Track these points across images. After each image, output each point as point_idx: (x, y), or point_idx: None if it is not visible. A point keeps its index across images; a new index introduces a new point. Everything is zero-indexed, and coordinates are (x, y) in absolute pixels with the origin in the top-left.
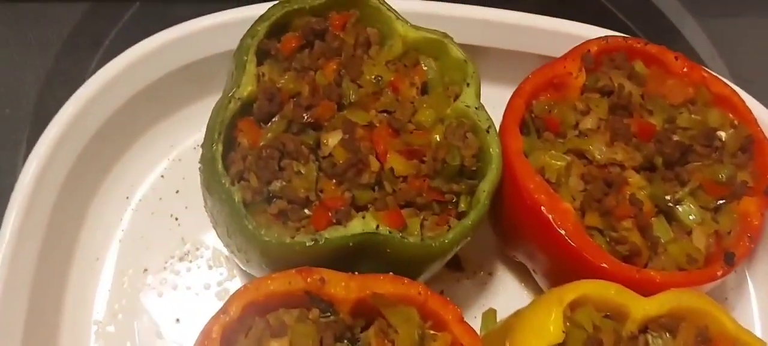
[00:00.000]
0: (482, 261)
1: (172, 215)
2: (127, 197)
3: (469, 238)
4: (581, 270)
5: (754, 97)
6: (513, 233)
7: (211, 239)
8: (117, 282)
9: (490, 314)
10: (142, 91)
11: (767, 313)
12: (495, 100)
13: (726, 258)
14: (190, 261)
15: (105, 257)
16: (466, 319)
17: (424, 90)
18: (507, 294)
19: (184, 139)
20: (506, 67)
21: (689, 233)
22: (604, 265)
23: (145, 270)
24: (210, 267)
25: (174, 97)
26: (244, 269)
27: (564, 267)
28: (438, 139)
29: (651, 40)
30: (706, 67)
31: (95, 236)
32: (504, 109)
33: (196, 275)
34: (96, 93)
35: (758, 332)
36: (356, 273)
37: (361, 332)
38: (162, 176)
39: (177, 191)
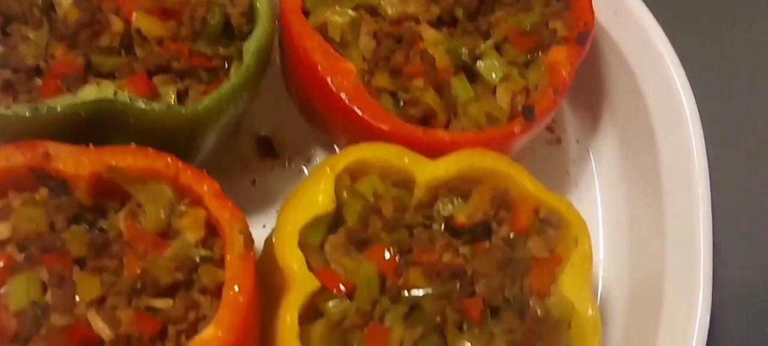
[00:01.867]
0: (300, 145)
1: None
2: None
3: (239, 106)
4: (368, 137)
5: None
6: (305, 103)
7: None
8: None
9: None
10: None
11: (608, 187)
12: None
13: (524, 112)
14: None
15: None
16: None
17: None
18: None
19: None
20: None
21: (494, 91)
22: (384, 126)
23: None
24: None
25: None
26: None
27: (354, 137)
28: None
29: None
30: None
31: None
32: None
33: None
34: None
35: (599, 206)
36: (91, 146)
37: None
38: None
39: None
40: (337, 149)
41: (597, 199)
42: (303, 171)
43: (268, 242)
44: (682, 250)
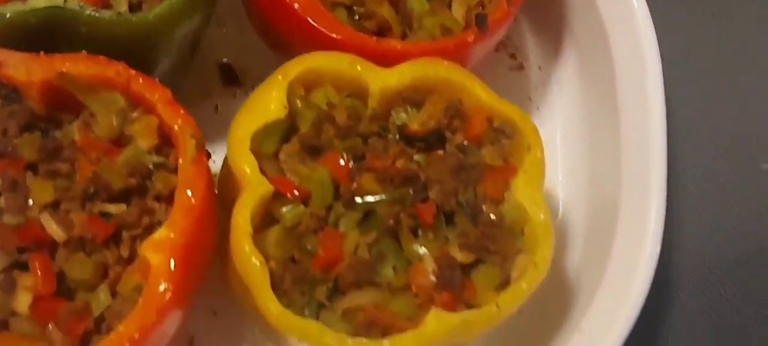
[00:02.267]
0: (262, 73)
1: None
2: None
3: (195, 18)
4: (323, 49)
5: None
6: (260, 21)
7: None
8: None
9: None
10: None
11: (567, 112)
12: None
13: (477, 20)
14: None
15: None
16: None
17: None
18: None
19: None
20: None
21: (449, 4)
22: (338, 36)
23: None
24: None
25: None
26: None
27: (309, 50)
28: None
29: None
30: None
31: None
32: None
33: None
34: None
35: (559, 131)
36: (42, 53)
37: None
38: None
39: None
40: None
41: (557, 124)
42: None
43: (225, 161)
44: (637, 172)
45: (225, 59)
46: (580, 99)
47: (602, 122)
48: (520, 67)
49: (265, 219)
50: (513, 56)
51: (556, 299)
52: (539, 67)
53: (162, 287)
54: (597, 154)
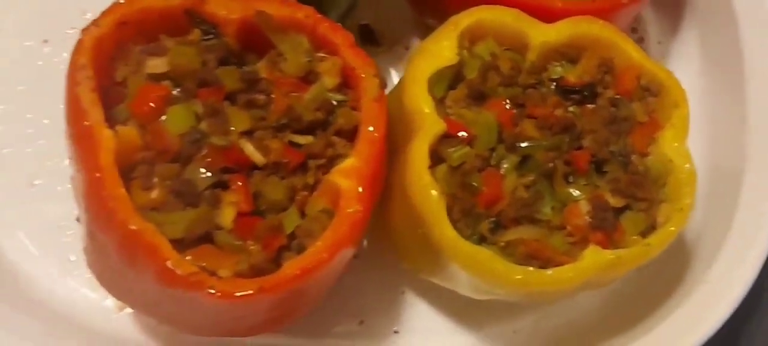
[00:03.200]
0: (399, 34)
1: None
2: None
3: None
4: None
5: None
6: None
7: None
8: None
9: None
10: None
11: (686, 85)
12: None
13: None
14: None
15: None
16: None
17: None
18: None
19: None
20: None
21: None
22: None
23: (45, 41)
24: None
25: None
26: None
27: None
28: None
29: None
30: None
31: None
32: None
33: None
34: None
35: None
36: None
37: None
38: None
39: None
40: None
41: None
42: (403, 56)
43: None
44: (762, 140)
45: (364, 21)
46: (700, 73)
47: (723, 95)
48: (641, 40)
49: (432, 157)
50: (634, 30)
51: (679, 256)
52: (659, 42)
53: (352, 209)
54: (719, 127)
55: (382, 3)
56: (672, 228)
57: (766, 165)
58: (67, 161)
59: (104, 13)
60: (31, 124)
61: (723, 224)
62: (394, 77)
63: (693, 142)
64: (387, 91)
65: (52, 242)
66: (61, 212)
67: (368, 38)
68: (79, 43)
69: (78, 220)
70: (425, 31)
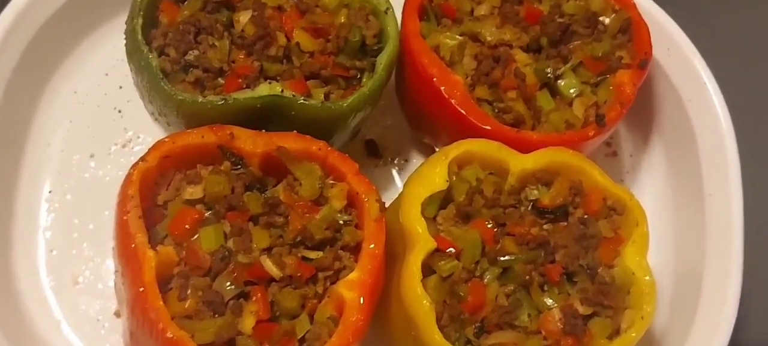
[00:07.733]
0: (399, 148)
1: (115, 108)
2: (75, 92)
3: (369, 108)
4: (472, 136)
5: None
6: (415, 110)
7: (150, 128)
8: (66, 165)
9: None
10: None
11: (655, 195)
12: None
13: (597, 119)
14: (132, 147)
15: (55, 144)
16: (384, 200)
17: None
18: None
19: None
20: None
21: (570, 104)
22: (488, 127)
23: (92, 155)
24: None
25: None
26: None
27: (456, 136)
28: (342, 20)
29: None
30: None
31: (46, 125)
32: None
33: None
34: None
35: (648, 212)
36: (264, 131)
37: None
38: (106, 74)
39: (120, 87)
40: (436, 150)
41: (645, 204)
42: (403, 166)
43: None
44: (718, 250)
45: (369, 136)
46: (666, 183)
47: (687, 204)
48: (615, 154)
49: (424, 269)
50: (608, 144)
51: None
52: (631, 155)
53: (354, 318)
54: (681, 232)
55: (386, 122)
56: (634, 334)
57: (724, 270)
58: (108, 262)
59: (151, 150)
60: (76, 229)
61: (685, 323)
62: (396, 182)
63: (659, 248)
64: (388, 199)
65: (92, 334)
66: (99, 307)
67: (373, 151)
68: (129, 176)
69: (116, 315)
70: (422, 147)
